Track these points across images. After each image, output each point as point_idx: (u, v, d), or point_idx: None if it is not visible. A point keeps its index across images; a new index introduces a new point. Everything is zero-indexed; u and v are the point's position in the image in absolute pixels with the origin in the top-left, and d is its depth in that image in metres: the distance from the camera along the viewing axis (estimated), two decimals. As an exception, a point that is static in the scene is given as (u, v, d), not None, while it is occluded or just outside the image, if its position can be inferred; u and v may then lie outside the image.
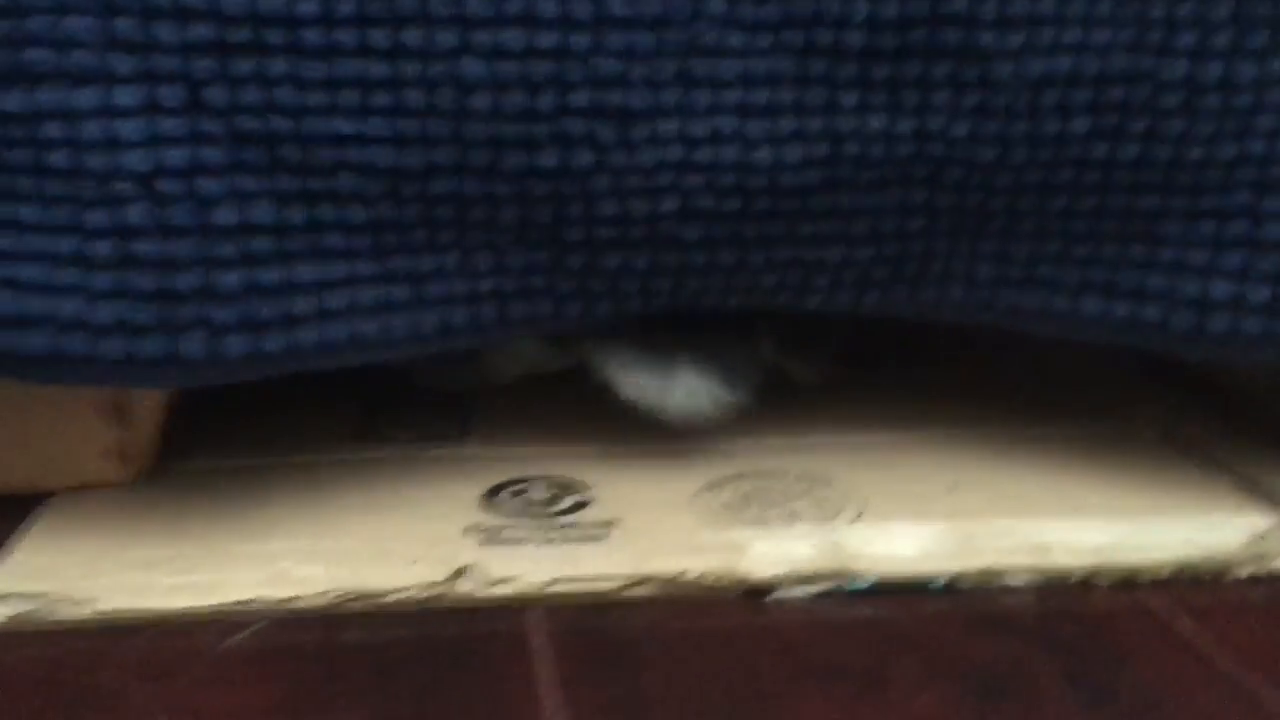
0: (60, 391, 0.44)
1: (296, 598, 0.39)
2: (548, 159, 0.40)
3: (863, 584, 0.42)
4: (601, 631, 0.39)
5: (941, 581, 0.42)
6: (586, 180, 0.41)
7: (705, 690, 0.36)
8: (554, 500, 0.46)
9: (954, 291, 0.46)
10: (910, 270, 0.46)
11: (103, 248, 0.37)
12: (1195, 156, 0.42)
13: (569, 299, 0.44)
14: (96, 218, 0.37)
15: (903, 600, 0.41)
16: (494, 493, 0.46)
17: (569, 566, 0.41)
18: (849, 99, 0.42)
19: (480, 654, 0.37)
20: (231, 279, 0.38)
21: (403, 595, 0.39)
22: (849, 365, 0.59)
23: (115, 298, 0.38)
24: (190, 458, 0.49)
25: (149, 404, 0.46)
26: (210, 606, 0.39)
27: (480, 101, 0.39)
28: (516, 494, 0.46)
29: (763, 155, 0.42)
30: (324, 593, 0.39)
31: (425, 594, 0.39)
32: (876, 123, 0.42)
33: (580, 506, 0.45)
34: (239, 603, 0.39)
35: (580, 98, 0.40)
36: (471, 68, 0.38)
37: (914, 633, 0.39)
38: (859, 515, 0.45)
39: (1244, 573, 0.42)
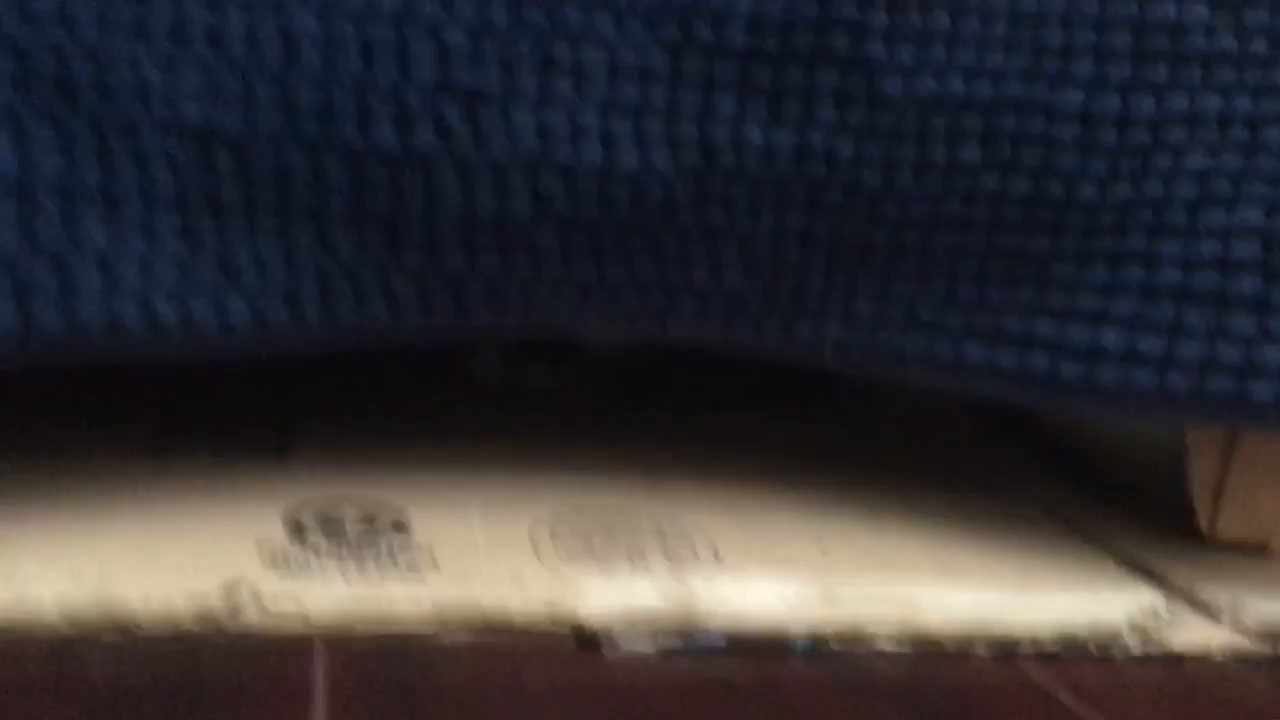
0: None
1: (31, 620, 0.33)
2: (385, 136, 0.36)
3: (714, 639, 0.37)
4: (398, 678, 0.33)
5: (803, 641, 0.37)
6: (428, 167, 0.37)
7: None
8: (365, 526, 0.41)
9: (831, 329, 0.43)
10: (784, 302, 0.42)
11: None
12: (1089, 195, 0.39)
13: (406, 305, 0.39)
14: None
15: (760, 660, 0.37)
16: (297, 513, 0.41)
17: (367, 598, 0.36)
18: (726, 104, 0.38)
19: (247, 697, 0.32)
20: (3, 234, 0.33)
21: (160, 620, 0.33)
22: (713, 406, 0.56)
23: None
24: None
25: None
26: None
27: (310, 60, 0.35)
28: (324, 518, 0.41)
29: (628, 159, 0.38)
30: (65, 614, 0.33)
31: (190, 619, 0.33)
32: (755, 134, 0.39)
33: (395, 534, 0.40)
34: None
35: (424, 71, 0.36)
36: (301, 20, 0.34)
37: (770, 697, 0.34)
38: (715, 564, 0.41)
39: (1133, 650, 0.38)
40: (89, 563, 0.35)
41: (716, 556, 0.41)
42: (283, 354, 0.39)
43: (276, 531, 0.39)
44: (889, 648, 0.38)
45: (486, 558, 0.39)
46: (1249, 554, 0.45)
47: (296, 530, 0.39)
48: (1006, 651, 0.38)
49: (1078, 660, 0.38)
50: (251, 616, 0.34)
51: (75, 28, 0.33)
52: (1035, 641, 0.38)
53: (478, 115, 0.36)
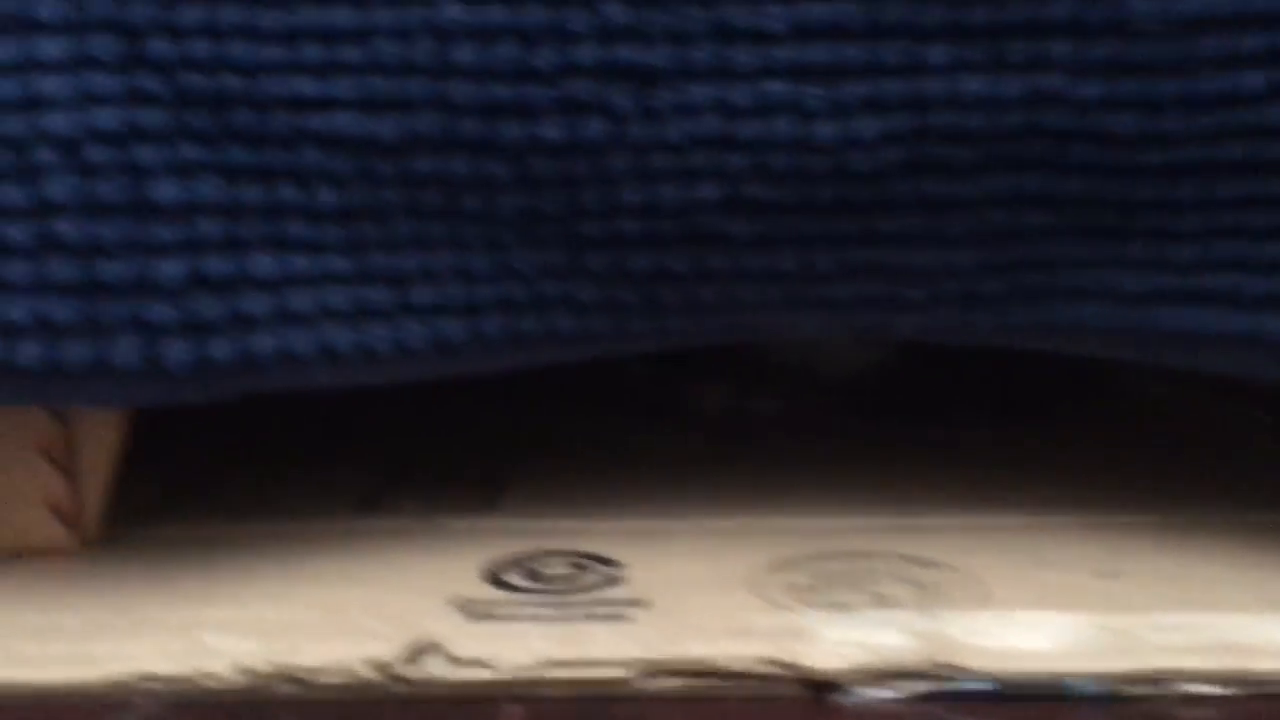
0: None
1: (207, 674, 0.31)
2: (551, 130, 0.33)
3: (979, 684, 0.31)
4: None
5: (1088, 686, 0.31)
6: (601, 158, 0.33)
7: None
8: (574, 577, 0.37)
9: (1091, 311, 0.36)
10: (1030, 282, 0.36)
11: (17, 231, 0.32)
12: None
13: (593, 312, 0.36)
14: (10, 194, 0.32)
15: (1037, 710, 0.30)
16: (501, 567, 0.38)
17: (570, 648, 0.32)
18: (936, 53, 0.33)
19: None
20: (171, 269, 0.32)
21: (341, 675, 0.31)
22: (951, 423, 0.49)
23: (33, 291, 0.32)
24: (160, 523, 0.42)
25: (98, 449, 0.38)
26: (92, 681, 0.31)
27: (464, 55, 0.32)
28: (529, 570, 0.37)
29: (826, 130, 0.33)
30: (244, 669, 0.31)
31: (371, 675, 0.31)
32: (974, 85, 0.33)
33: (607, 585, 0.36)
34: (127, 678, 0.31)
35: (586, 52, 0.32)
36: (450, 11, 0.32)
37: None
38: (976, 602, 0.35)
39: None
40: (267, 627, 0.33)
41: (978, 594, 0.35)
42: (469, 377, 0.36)
43: (474, 584, 0.36)
44: (1204, 690, 0.30)
45: (703, 597, 0.35)
46: None
47: (495, 581, 0.36)
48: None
49: None
50: (434, 668, 0.31)
51: (224, 41, 0.32)
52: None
53: (649, 95, 0.33)
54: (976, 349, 0.38)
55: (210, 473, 0.48)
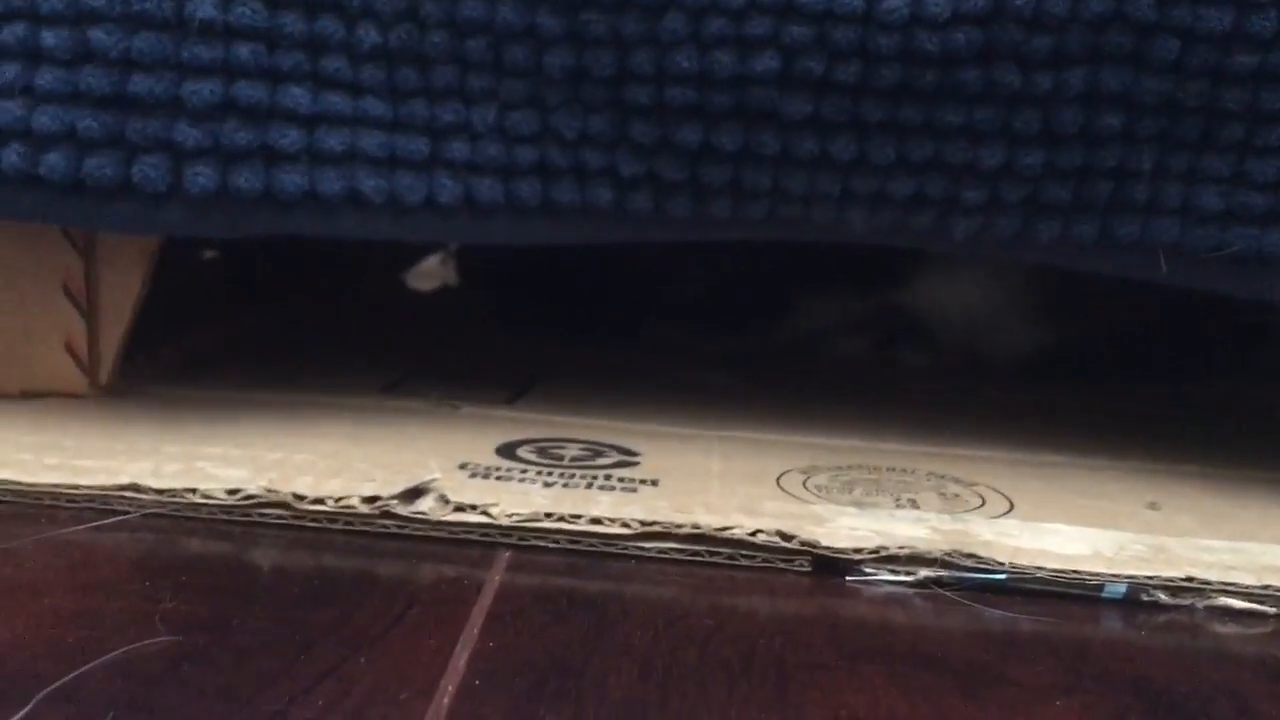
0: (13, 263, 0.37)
1: (194, 491, 0.30)
2: (606, -21, 0.31)
3: (992, 572, 0.28)
4: (585, 588, 0.28)
5: (1117, 588, 0.28)
6: (655, 19, 0.32)
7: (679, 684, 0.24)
8: (587, 458, 0.35)
9: (1161, 228, 0.33)
10: (1101, 193, 0.33)
11: (53, 36, 0.31)
12: None
13: (635, 187, 0.34)
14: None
15: (1059, 607, 0.28)
16: (516, 445, 0.36)
17: (571, 507, 0.30)
18: (1019, -71, 0.31)
19: (404, 591, 0.27)
20: (202, 90, 0.31)
21: (329, 507, 0.29)
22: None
23: (63, 100, 0.31)
24: (180, 384, 0.41)
25: (119, 291, 0.37)
26: (83, 488, 0.30)
27: (522, -110, 0.31)
28: (543, 449, 0.36)
29: (895, 4, 0.31)
30: (234, 491, 0.30)
31: (361, 508, 0.29)
32: (1057, -33, 0.31)
33: (620, 466, 0.35)
34: (118, 488, 0.30)
35: (649, -103, 0.31)
36: None
37: (1071, 644, 0.26)
38: (1008, 513, 0.32)
39: None
40: (264, 464, 0.32)
41: (1011, 507, 0.33)
42: (495, 245, 0.35)
43: (486, 455, 0.35)
44: (1237, 604, 0.28)
45: (720, 484, 0.33)
46: None
47: (508, 455, 0.35)
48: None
49: None
50: (431, 511, 0.29)
51: None
52: None
53: (711, -50, 0.31)
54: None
55: (238, 350, 0.47)
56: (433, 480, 0.30)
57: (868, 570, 0.29)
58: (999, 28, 0.31)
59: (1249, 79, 0.31)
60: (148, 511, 0.29)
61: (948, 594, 0.28)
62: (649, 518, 0.29)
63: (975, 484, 0.35)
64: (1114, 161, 0.33)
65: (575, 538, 0.29)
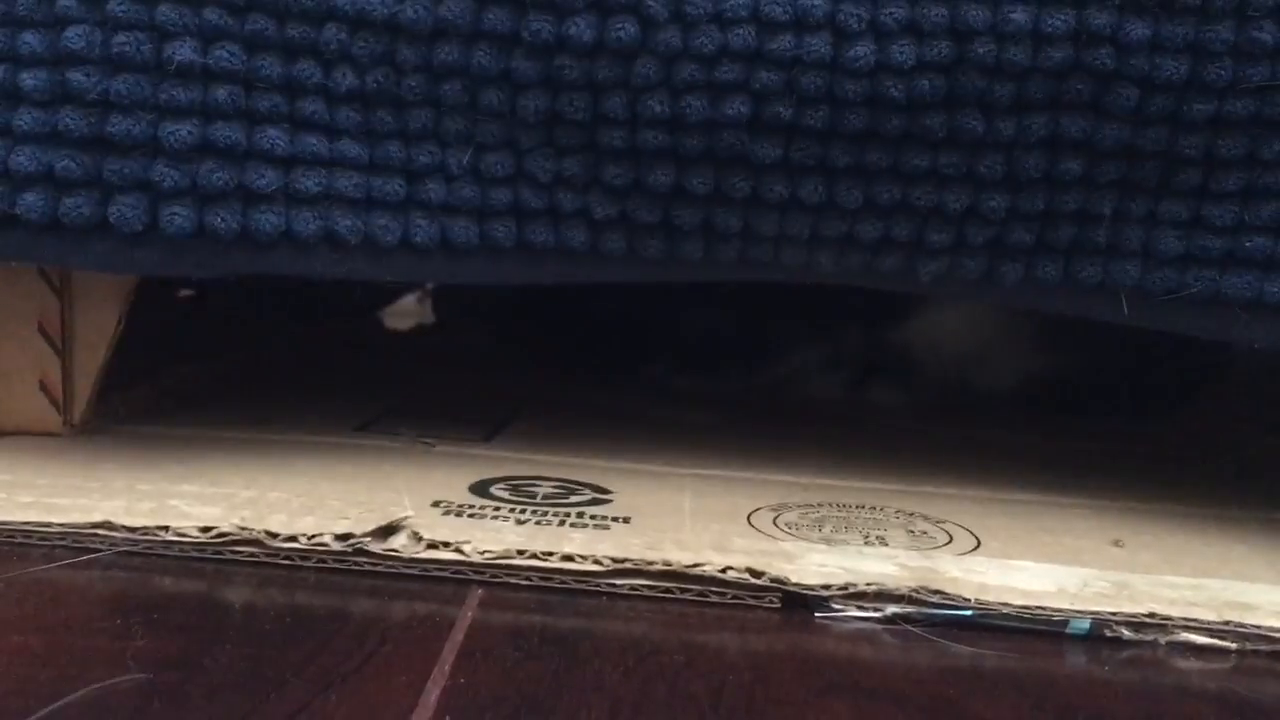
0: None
1: (167, 528, 0.30)
2: (581, 29, 0.32)
3: (958, 609, 0.29)
4: (556, 624, 0.28)
5: (1081, 624, 0.29)
6: (629, 62, 0.33)
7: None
8: (561, 495, 0.35)
9: (1121, 271, 0.34)
10: (1064, 236, 0.34)
11: (31, 78, 0.31)
12: None
13: (608, 228, 0.35)
14: (29, 40, 0.31)
15: (1023, 645, 0.29)
16: (489, 483, 0.36)
17: (544, 544, 0.30)
18: (981, -19, 0.32)
19: (376, 629, 0.27)
20: (180, 131, 0.32)
21: (302, 544, 0.30)
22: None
23: (40, 140, 0.32)
24: (154, 423, 0.41)
25: (94, 330, 0.37)
26: (55, 526, 0.30)
27: (495, -61, 0.31)
28: (516, 487, 0.36)
29: (860, 51, 0.32)
30: (207, 529, 0.30)
31: (335, 546, 0.30)
32: (1019, 16, 0.32)
33: (594, 504, 0.35)
34: (90, 525, 0.30)
35: (620, -53, 0.32)
36: (486, -108, 0.31)
37: (1033, 686, 0.26)
38: (974, 550, 0.33)
39: None
40: (238, 501, 0.32)
41: (978, 544, 0.33)
42: (473, 285, 0.35)
43: (459, 493, 0.35)
44: (1200, 640, 0.29)
45: (692, 521, 0.34)
46: None
47: (481, 492, 0.35)
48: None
49: None
50: (403, 548, 0.30)
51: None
52: None
53: (682, 1, 0.32)
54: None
55: (212, 388, 0.47)
56: (406, 518, 0.31)
57: (836, 606, 0.29)
58: (962, 75, 0.32)
59: (1206, 126, 0.32)
60: (120, 549, 0.29)
61: (915, 630, 0.29)
62: (621, 555, 0.29)
63: (943, 521, 0.35)
64: (1075, 205, 0.34)
65: (547, 575, 0.29)
